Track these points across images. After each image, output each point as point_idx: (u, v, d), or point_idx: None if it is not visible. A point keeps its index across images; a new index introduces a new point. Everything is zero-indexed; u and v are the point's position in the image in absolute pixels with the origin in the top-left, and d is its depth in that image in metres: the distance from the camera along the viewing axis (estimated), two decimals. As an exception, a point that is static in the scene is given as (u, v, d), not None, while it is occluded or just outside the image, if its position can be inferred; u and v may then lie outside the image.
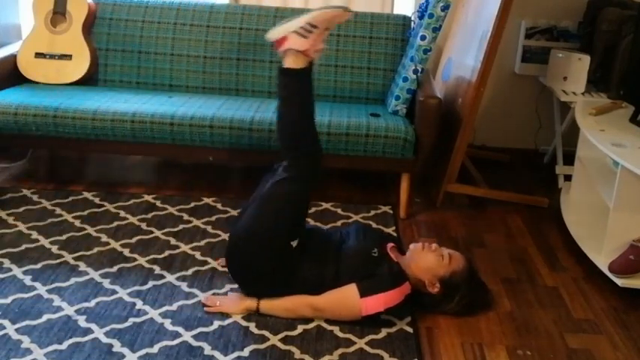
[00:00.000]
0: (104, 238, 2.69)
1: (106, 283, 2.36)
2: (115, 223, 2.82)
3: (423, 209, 3.15)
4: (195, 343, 2.06)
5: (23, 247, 2.59)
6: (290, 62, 2.27)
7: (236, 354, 2.03)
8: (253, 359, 2.01)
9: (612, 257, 2.49)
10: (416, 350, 2.09)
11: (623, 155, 2.41)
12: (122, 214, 2.91)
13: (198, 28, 3.41)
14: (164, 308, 2.23)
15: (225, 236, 2.75)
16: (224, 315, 2.21)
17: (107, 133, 2.96)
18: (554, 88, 3.42)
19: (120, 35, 3.42)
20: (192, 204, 3.04)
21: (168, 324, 2.15)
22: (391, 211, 3.08)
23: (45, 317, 2.14)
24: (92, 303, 2.24)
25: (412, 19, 3.37)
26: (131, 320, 2.16)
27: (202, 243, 2.69)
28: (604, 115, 2.93)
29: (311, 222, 2.92)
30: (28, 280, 2.36)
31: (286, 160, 2.27)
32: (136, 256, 2.57)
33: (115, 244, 2.64)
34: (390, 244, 2.35)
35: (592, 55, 3.32)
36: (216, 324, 2.16)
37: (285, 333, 2.14)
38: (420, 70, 2.98)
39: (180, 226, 2.82)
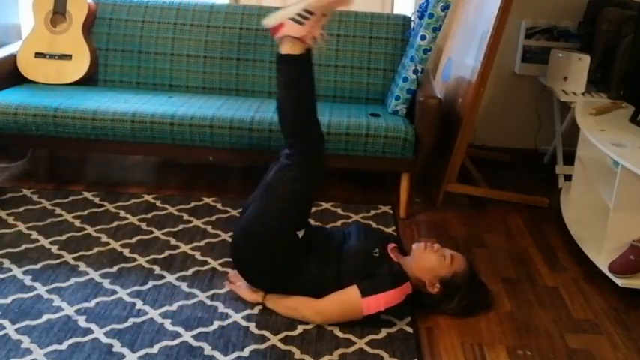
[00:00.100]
0: (104, 238, 2.69)
1: (106, 283, 2.36)
2: (115, 223, 2.82)
3: (423, 209, 3.15)
4: (195, 343, 2.06)
5: (23, 247, 2.59)
6: (287, 49, 2.26)
7: (236, 354, 2.03)
8: (253, 359, 2.01)
9: (612, 257, 2.48)
10: (416, 350, 2.09)
11: (623, 155, 2.41)
12: (122, 214, 2.91)
13: (198, 28, 3.41)
14: (164, 308, 2.23)
15: (225, 236, 2.75)
16: (224, 315, 2.22)
17: (107, 133, 2.96)
18: (554, 88, 3.42)
19: (120, 35, 3.42)
20: (192, 204, 3.04)
21: (168, 324, 2.15)
22: (391, 211, 3.08)
23: (45, 317, 2.15)
24: (92, 303, 2.24)
25: (412, 19, 3.37)
26: (131, 320, 2.16)
27: (202, 243, 2.69)
28: (604, 115, 2.93)
29: (311, 222, 2.91)
30: (28, 280, 2.36)
31: (289, 156, 2.24)
32: (136, 256, 2.57)
33: (115, 244, 2.64)
34: (391, 245, 2.35)
35: (592, 55, 3.32)
36: (216, 324, 2.16)
37: (285, 333, 2.14)
38: (420, 70, 2.98)
39: (180, 226, 2.82)
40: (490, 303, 2.38)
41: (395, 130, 2.90)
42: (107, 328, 2.10)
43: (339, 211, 3.06)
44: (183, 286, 2.38)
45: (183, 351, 2.02)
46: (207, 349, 2.04)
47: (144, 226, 2.81)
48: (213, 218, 2.91)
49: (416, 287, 2.24)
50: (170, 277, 2.42)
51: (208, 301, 2.29)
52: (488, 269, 2.63)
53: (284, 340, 2.10)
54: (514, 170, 3.74)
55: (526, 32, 3.66)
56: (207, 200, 3.09)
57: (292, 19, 2.23)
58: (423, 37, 2.92)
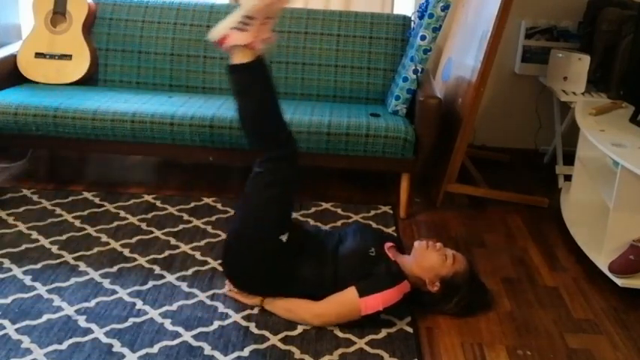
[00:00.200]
0: (104, 238, 2.69)
1: (106, 283, 2.36)
2: (115, 223, 2.82)
3: (423, 209, 3.15)
4: (195, 343, 2.06)
5: (23, 247, 2.59)
6: (237, 58, 2.23)
7: (236, 354, 2.03)
8: (253, 359, 2.01)
9: (612, 257, 2.48)
10: (416, 350, 2.09)
11: (623, 155, 2.41)
12: (122, 214, 2.91)
13: (198, 28, 3.41)
14: (164, 308, 2.23)
15: (225, 236, 2.75)
16: (224, 315, 2.22)
17: (107, 133, 2.96)
18: (554, 88, 3.42)
19: (120, 35, 3.42)
20: (192, 204, 3.04)
21: (168, 324, 2.15)
22: (391, 211, 3.08)
23: (45, 317, 2.14)
24: (92, 303, 2.24)
25: (412, 19, 3.37)
26: (131, 320, 2.16)
27: (202, 243, 2.69)
28: (604, 115, 2.93)
29: (311, 222, 2.92)
30: (28, 280, 2.36)
31: (260, 164, 2.23)
32: (136, 256, 2.57)
33: (115, 244, 2.64)
34: (388, 244, 2.35)
35: (592, 55, 3.32)
36: (216, 324, 2.16)
37: (285, 333, 2.14)
38: (420, 70, 2.98)
39: (180, 226, 2.82)
40: (490, 303, 2.38)
41: (395, 130, 2.90)
42: (107, 328, 2.10)
43: (339, 211, 3.06)
44: (183, 286, 2.38)
45: (183, 351, 2.02)
46: (207, 349, 2.04)
47: (144, 226, 2.81)
48: (213, 218, 2.91)
49: (415, 286, 2.24)
50: (170, 277, 2.42)
51: (208, 301, 2.29)
52: (488, 269, 2.63)
53: (284, 340, 2.10)
54: (514, 170, 3.74)
55: (526, 32, 3.66)
56: (207, 200, 3.09)
57: (235, 27, 2.20)
58: (423, 37, 2.92)
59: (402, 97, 3.06)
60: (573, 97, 3.28)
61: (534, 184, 3.53)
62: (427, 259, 2.25)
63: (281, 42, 3.38)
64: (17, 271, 2.41)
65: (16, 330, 2.07)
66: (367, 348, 2.09)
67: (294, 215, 2.98)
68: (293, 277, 2.21)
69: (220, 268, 2.50)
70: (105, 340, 2.05)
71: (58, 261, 2.50)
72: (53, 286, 2.33)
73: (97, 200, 3.03)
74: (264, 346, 2.07)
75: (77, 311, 2.19)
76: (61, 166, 3.48)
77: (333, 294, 2.18)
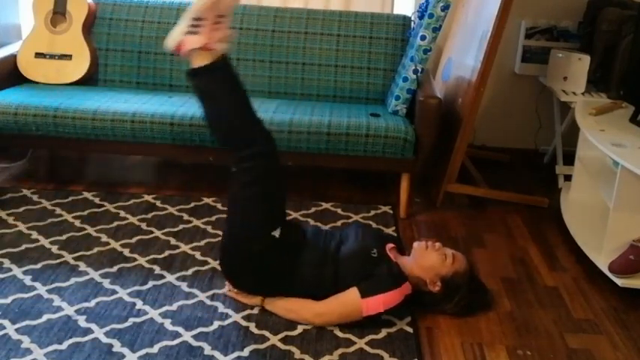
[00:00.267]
0: (104, 238, 2.69)
1: (106, 283, 2.36)
2: (115, 223, 2.82)
3: (423, 209, 3.15)
4: (195, 343, 2.06)
5: (23, 247, 2.59)
6: (197, 61, 2.20)
7: (236, 354, 2.03)
8: (253, 359, 2.01)
9: (612, 257, 2.48)
10: (416, 350, 2.09)
11: (623, 155, 2.40)
12: (122, 214, 2.91)
13: (198, 28, 3.40)
14: (164, 308, 2.23)
15: (225, 236, 2.75)
16: (224, 315, 2.22)
17: (107, 133, 2.96)
18: (554, 88, 3.42)
19: (120, 35, 3.42)
20: (192, 204, 3.04)
21: (168, 324, 2.15)
22: (391, 211, 3.08)
23: (45, 317, 2.14)
24: (92, 303, 2.24)
25: (412, 19, 3.37)
26: (131, 320, 2.16)
27: (202, 243, 2.69)
28: (604, 115, 2.93)
29: (311, 222, 2.92)
30: (28, 280, 2.36)
31: (236, 164, 2.21)
32: (136, 256, 2.57)
33: (115, 244, 2.64)
34: (390, 245, 2.35)
35: (592, 55, 3.32)
36: (216, 324, 2.16)
37: (285, 333, 2.14)
38: (420, 70, 2.98)
39: (180, 226, 2.82)
40: (490, 303, 2.38)
41: (395, 130, 2.90)
42: (107, 328, 2.10)
43: (339, 211, 3.06)
44: (183, 286, 2.38)
45: (183, 351, 2.02)
46: (207, 349, 2.04)
47: (144, 226, 2.81)
48: (213, 218, 2.91)
49: (416, 286, 2.24)
50: (170, 277, 2.42)
51: (208, 301, 2.29)
52: (488, 269, 2.63)
53: (284, 340, 2.10)
54: (514, 170, 3.74)
55: (526, 32, 3.66)
56: (207, 200, 3.09)
57: (187, 32, 2.17)
58: (423, 37, 2.92)
59: (402, 97, 3.06)
60: (573, 97, 3.28)
61: (534, 184, 3.54)
62: (427, 259, 2.25)
63: (281, 42, 3.38)
64: (17, 271, 2.41)
65: (16, 330, 2.07)
66: (367, 348, 2.09)
67: (295, 215, 2.98)
68: (293, 277, 2.21)
69: (220, 268, 2.50)
70: (105, 340, 2.05)
71: (58, 261, 2.49)
72: (53, 286, 2.33)
73: (97, 200, 3.03)
74: (264, 346, 2.07)
75: (77, 311, 2.19)
76: (61, 166, 3.48)
77: (333, 294, 2.18)
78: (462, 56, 3.24)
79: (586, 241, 2.69)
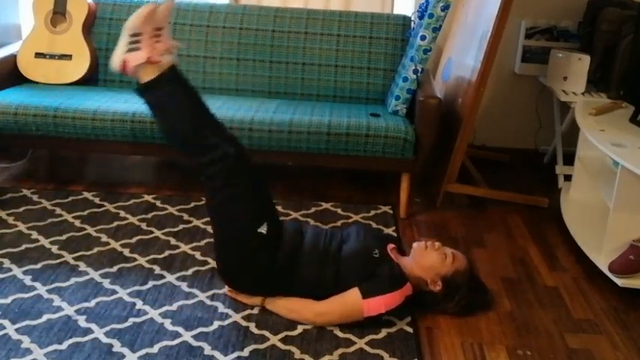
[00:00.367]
0: (104, 238, 2.69)
1: (106, 283, 2.36)
2: (115, 223, 2.82)
3: (423, 209, 3.15)
4: (195, 343, 2.06)
5: (23, 247, 2.59)
6: (144, 77, 2.20)
7: (236, 354, 2.03)
8: (253, 359, 2.01)
9: (612, 257, 2.48)
10: (416, 350, 2.09)
11: (623, 155, 2.40)
12: (122, 214, 2.91)
13: (198, 28, 3.41)
14: (164, 308, 2.23)
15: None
16: (224, 315, 2.22)
17: (107, 133, 2.96)
18: (554, 88, 3.42)
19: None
20: (192, 204, 3.04)
21: (168, 324, 2.15)
22: (391, 211, 3.08)
23: (45, 317, 2.14)
24: (92, 303, 2.24)
25: (412, 19, 3.37)
26: (131, 320, 2.16)
27: (202, 243, 2.69)
28: (604, 115, 2.93)
29: (311, 222, 2.92)
30: (28, 280, 2.36)
31: (202, 171, 2.21)
32: (136, 256, 2.57)
33: (115, 244, 2.64)
34: (391, 245, 2.35)
35: (592, 55, 3.32)
36: (216, 324, 2.16)
37: (285, 333, 2.14)
38: (420, 70, 2.98)
39: (180, 226, 2.82)
40: (490, 303, 2.38)
41: (395, 130, 2.90)
42: (107, 328, 2.10)
43: (339, 211, 3.06)
44: (183, 286, 2.38)
45: (183, 351, 2.02)
46: (207, 349, 2.04)
47: (144, 226, 2.81)
48: (213, 218, 2.91)
49: (416, 287, 2.24)
50: (170, 277, 2.42)
51: (208, 301, 2.29)
52: (488, 269, 2.63)
53: (284, 340, 2.10)
54: (514, 170, 3.74)
55: (526, 32, 3.66)
56: (207, 200, 3.08)
57: (128, 50, 2.18)
58: (423, 37, 2.92)
59: (402, 97, 3.06)
60: (573, 97, 3.28)
61: (534, 184, 3.53)
62: (427, 259, 2.25)
63: (281, 42, 3.38)
64: (17, 271, 2.41)
65: (16, 330, 2.07)
66: (367, 348, 2.09)
67: (295, 215, 2.98)
68: (293, 276, 2.21)
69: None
70: (105, 340, 2.05)
71: (58, 261, 2.49)
72: (53, 286, 2.33)
73: (97, 200, 3.03)
74: (264, 346, 2.07)
75: (77, 311, 2.19)
76: (61, 166, 3.48)
77: (334, 294, 2.18)
78: (462, 56, 3.24)
79: (586, 241, 2.69)
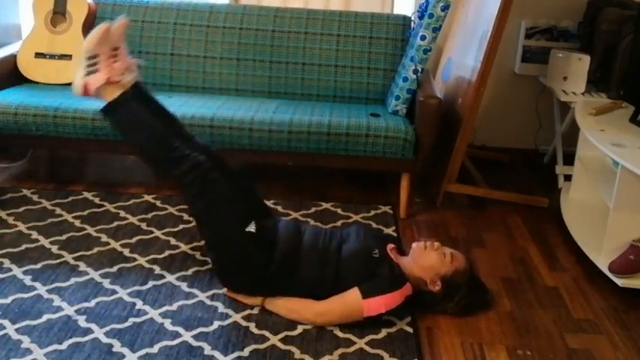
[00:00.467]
0: (104, 238, 2.69)
1: (106, 283, 2.36)
2: (115, 223, 2.82)
3: (423, 209, 3.15)
4: (195, 343, 2.06)
5: (23, 247, 2.59)
6: (107, 97, 2.23)
7: (236, 354, 2.03)
8: (253, 359, 2.01)
9: (612, 257, 2.48)
10: (416, 350, 2.09)
11: (623, 155, 2.40)
12: (122, 214, 2.91)
13: (198, 28, 3.41)
14: (164, 308, 2.23)
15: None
16: (224, 315, 2.22)
17: (107, 133, 2.96)
18: (554, 88, 3.42)
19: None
20: (192, 204, 3.04)
21: (168, 324, 2.15)
22: (391, 211, 3.08)
23: (45, 317, 2.14)
24: (92, 303, 2.24)
25: (412, 19, 3.37)
26: (131, 320, 2.16)
27: (202, 243, 2.69)
28: (604, 115, 2.93)
29: (311, 222, 2.92)
30: (28, 280, 2.36)
31: (177, 183, 2.24)
32: (136, 256, 2.57)
33: (115, 244, 2.64)
34: (390, 245, 2.35)
35: (592, 55, 3.32)
36: (216, 324, 2.16)
37: (285, 333, 2.14)
38: (420, 70, 2.98)
39: (180, 226, 2.82)
40: (490, 303, 2.38)
41: (395, 130, 2.90)
42: (107, 328, 2.10)
43: (339, 211, 3.06)
44: (183, 286, 2.38)
45: (183, 351, 2.02)
46: (207, 349, 2.04)
47: (144, 226, 2.81)
48: (213, 218, 2.91)
49: (416, 287, 2.24)
50: (170, 277, 2.42)
51: (208, 301, 2.29)
52: (488, 269, 2.63)
53: (284, 340, 2.10)
54: (514, 170, 3.74)
55: (526, 32, 3.66)
56: (207, 200, 3.08)
57: (87, 73, 2.21)
58: (423, 37, 2.92)
59: (402, 97, 3.06)
60: (573, 97, 3.28)
61: (534, 184, 3.53)
62: (426, 259, 2.25)
63: (281, 42, 3.38)
64: (17, 271, 2.41)
65: (16, 330, 2.07)
66: (367, 348, 2.09)
67: (295, 215, 2.98)
68: (292, 276, 2.21)
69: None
70: (105, 340, 2.05)
71: (58, 261, 2.49)
72: (53, 286, 2.33)
73: (97, 200, 3.03)
74: (264, 346, 2.07)
75: (77, 311, 2.19)
76: (61, 166, 3.48)
77: (334, 294, 2.18)
78: (462, 56, 3.24)
79: (586, 241, 2.69)
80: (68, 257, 2.53)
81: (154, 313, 2.20)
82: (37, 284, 2.33)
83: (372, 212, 3.06)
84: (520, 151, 3.91)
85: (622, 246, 2.49)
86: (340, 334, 2.14)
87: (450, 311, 2.27)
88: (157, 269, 2.48)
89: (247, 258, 2.20)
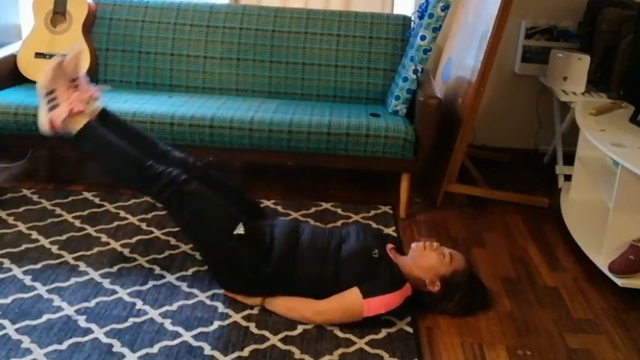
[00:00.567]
0: (104, 238, 2.69)
1: (106, 283, 2.36)
2: (115, 223, 2.82)
3: (423, 209, 3.15)
4: (195, 343, 2.06)
5: (23, 247, 2.59)
6: (74, 128, 2.27)
7: (236, 354, 2.03)
8: (253, 359, 2.01)
9: (612, 257, 2.48)
10: (416, 350, 2.09)
11: (623, 155, 2.41)
12: (122, 214, 2.91)
13: (198, 28, 3.41)
14: (164, 308, 2.23)
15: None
16: (224, 315, 2.22)
17: (107, 133, 2.96)
18: (554, 88, 3.42)
19: (120, 35, 3.42)
20: (192, 204, 3.04)
21: (168, 324, 2.15)
22: (391, 211, 3.08)
23: (45, 317, 2.14)
24: (92, 303, 2.24)
25: (412, 19, 3.37)
26: (131, 320, 2.16)
27: (202, 243, 2.69)
28: (604, 115, 2.93)
29: (311, 222, 2.92)
30: (28, 280, 2.36)
31: (158, 200, 2.26)
32: (136, 256, 2.57)
33: (115, 244, 2.64)
34: (390, 245, 2.35)
35: (592, 55, 3.32)
36: (216, 324, 2.16)
37: (285, 333, 2.14)
38: (420, 70, 2.98)
39: (180, 226, 2.82)
40: (490, 303, 2.38)
41: (395, 130, 2.90)
42: (107, 328, 2.10)
43: (339, 211, 3.06)
44: (183, 286, 2.38)
45: (183, 351, 2.02)
46: (207, 349, 2.04)
47: (144, 226, 2.81)
48: (213, 218, 2.91)
49: (416, 287, 2.24)
50: (170, 277, 2.42)
51: (208, 301, 2.29)
52: (488, 269, 2.63)
53: (284, 340, 2.10)
54: (514, 170, 3.74)
55: (526, 32, 3.66)
56: (207, 200, 3.08)
57: (49, 110, 2.25)
58: (423, 37, 2.92)
59: (402, 97, 3.06)
60: (573, 97, 3.28)
61: (534, 184, 3.53)
62: (426, 259, 2.25)
63: (281, 42, 3.38)
64: (17, 271, 2.41)
65: (16, 330, 2.07)
66: (367, 348, 2.09)
67: (295, 215, 2.98)
68: (291, 276, 2.21)
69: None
70: (105, 340, 2.05)
71: (58, 261, 2.49)
72: (53, 286, 2.33)
73: (97, 200, 3.03)
74: (264, 346, 2.07)
75: (77, 311, 2.19)
76: (61, 166, 3.48)
77: (334, 293, 2.18)
78: (462, 56, 3.24)
79: (586, 241, 2.69)
80: (68, 257, 2.53)
81: (154, 313, 2.20)
82: (37, 284, 2.33)
83: (372, 212, 3.06)
84: (520, 151, 3.91)
85: (622, 246, 2.49)
86: (340, 334, 2.14)
87: (450, 311, 2.27)
88: (157, 269, 2.48)
89: (239, 260, 2.20)
